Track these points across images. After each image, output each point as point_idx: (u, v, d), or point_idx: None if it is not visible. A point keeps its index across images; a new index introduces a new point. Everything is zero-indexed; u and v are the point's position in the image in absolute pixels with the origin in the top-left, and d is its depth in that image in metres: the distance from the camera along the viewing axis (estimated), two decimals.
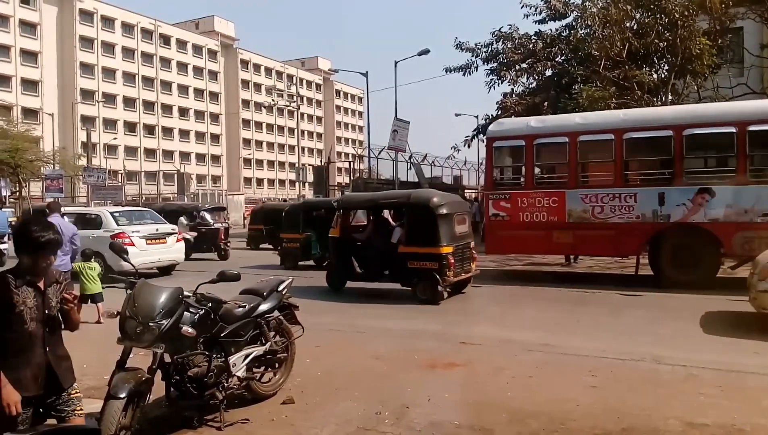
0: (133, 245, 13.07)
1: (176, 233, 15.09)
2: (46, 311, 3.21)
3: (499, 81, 22.24)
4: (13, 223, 19.77)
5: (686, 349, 6.72)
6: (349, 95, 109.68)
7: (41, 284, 3.22)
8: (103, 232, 13.48)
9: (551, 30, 22.73)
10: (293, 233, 15.75)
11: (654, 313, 9.16)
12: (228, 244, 19.29)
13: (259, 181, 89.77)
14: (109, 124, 68.88)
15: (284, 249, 16.06)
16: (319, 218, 15.43)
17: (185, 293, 4.39)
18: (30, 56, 62.60)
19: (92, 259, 9.36)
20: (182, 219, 18.52)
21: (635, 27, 18.26)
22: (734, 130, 10.51)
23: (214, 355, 4.54)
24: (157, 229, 14.44)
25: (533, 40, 22.24)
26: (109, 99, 67.79)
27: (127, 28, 72.62)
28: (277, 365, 5.29)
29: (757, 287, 7.47)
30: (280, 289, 5.31)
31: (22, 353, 3.14)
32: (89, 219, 14.38)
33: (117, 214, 14.46)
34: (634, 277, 12.03)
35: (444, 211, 10.21)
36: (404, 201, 11.04)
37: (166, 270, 14.77)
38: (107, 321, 4.32)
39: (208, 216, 19.51)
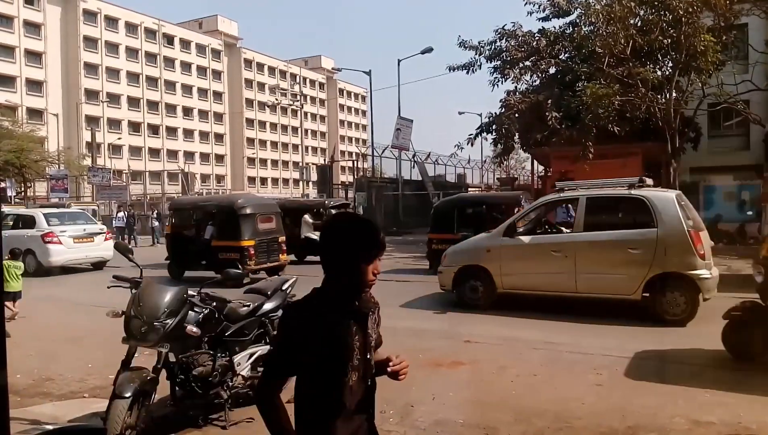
0: (61, 244, 15.11)
1: (104, 233, 16.57)
2: (369, 355, 2.04)
3: (503, 79, 22.13)
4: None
5: (692, 347, 6.70)
6: (352, 94, 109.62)
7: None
8: (36, 232, 15.19)
9: (555, 27, 22.62)
10: (445, 233, 13.52)
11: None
12: None
13: (263, 180, 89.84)
14: (114, 124, 69.00)
15: (434, 251, 13.39)
16: (475, 215, 13.83)
17: (190, 293, 4.40)
18: (34, 57, 62.76)
19: (19, 258, 10.04)
20: (307, 217, 16.64)
21: (639, 24, 18.15)
22: None
23: (219, 355, 4.54)
24: (84, 230, 16.05)
25: (537, 38, 22.12)
26: (114, 99, 67.91)
27: (131, 28, 72.71)
28: None
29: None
30: (284, 287, 5.31)
31: (344, 422, 1.97)
32: (26, 220, 15.98)
33: (49, 215, 16.14)
34: None
35: (246, 211, 12.79)
36: (215, 204, 14.27)
37: (98, 265, 16.41)
38: (112, 320, 4.32)
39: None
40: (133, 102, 72.21)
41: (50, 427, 4.61)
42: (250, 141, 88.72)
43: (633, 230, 8.58)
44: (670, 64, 19.06)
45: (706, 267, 8.12)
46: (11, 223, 15.89)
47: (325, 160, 72.00)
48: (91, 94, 65.67)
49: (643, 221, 8.45)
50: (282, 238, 13.72)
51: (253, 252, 12.47)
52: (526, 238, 9.27)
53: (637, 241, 8.35)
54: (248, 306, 4.87)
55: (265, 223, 13.29)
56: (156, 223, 27.91)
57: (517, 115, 20.88)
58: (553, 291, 9.24)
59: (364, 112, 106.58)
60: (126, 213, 28.41)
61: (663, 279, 8.14)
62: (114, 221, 28.62)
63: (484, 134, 23.62)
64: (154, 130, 74.76)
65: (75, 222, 16.27)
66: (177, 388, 4.43)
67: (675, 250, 8.11)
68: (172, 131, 77.23)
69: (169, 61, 77.33)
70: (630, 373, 5.84)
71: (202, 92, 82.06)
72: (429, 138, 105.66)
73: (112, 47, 70.04)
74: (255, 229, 12.86)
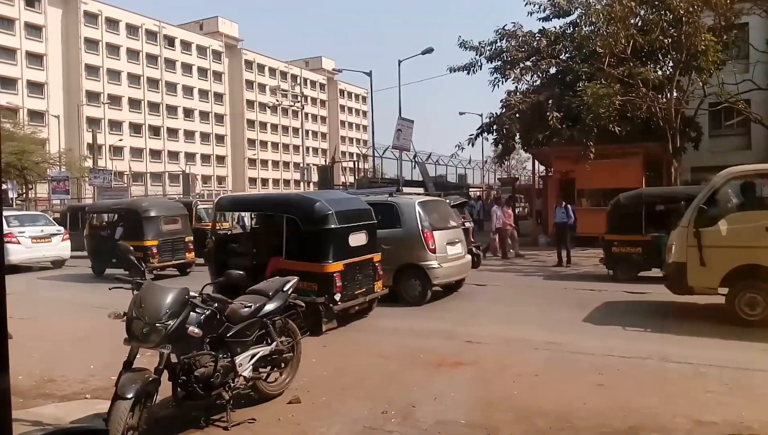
0: (19, 243, 16.02)
1: (62, 234, 17.36)
2: None
3: (503, 79, 22.12)
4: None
5: (693, 347, 6.69)
6: (353, 95, 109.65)
7: None
8: None
9: (555, 27, 22.62)
10: (630, 234, 12.02)
11: (661, 311, 9.13)
12: (480, 247, 15.74)
13: (264, 181, 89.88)
14: (115, 125, 69.09)
15: (615, 255, 12.27)
16: (665, 213, 12.39)
17: (191, 294, 4.41)
18: (35, 59, 62.86)
19: None
20: None
21: (639, 24, 18.15)
22: None
23: (221, 356, 4.55)
24: (42, 231, 16.93)
25: (537, 38, 22.12)
26: (115, 100, 67.99)
27: (132, 29, 72.81)
28: (283, 365, 5.29)
29: None
30: (285, 288, 5.32)
31: None
32: None
33: (10, 217, 17.02)
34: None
35: (150, 214, 13.98)
36: (123, 207, 15.66)
37: (56, 264, 17.41)
38: (114, 322, 4.33)
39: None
40: (134, 103, 72.30)
41: (52, 428, 4.62)
42: (251, 142, 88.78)
43: (387, 230, 9.95)
44: (671, 64, 19.06)
45: (436, 259, 9.93)
46: None
47: (326, 160, 72.00)
48: (92, 96, 65.75)
49: (394, 223, 10.15)
50: (188, 238, 14.84)
51: (155, 251, 13.71)
52: None
53: (389, 238, 9.87)
54: (250, 307, 4.87)
55: (170, 224, 14.53)
56: None
57: (517, 115, 20.87)
58: None
59: (364, 113, 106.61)
60: None
61: (404, 269, 9.96)
62: None
63: (485, 134, 23.63)
64: (155, 131, 74.83)
65: (34, 223, 17.18)
66: (179, 389, 4.43)
67: (412, 246, 9.95)
68: (173, 132, 77.31)
69: (170, 63, 77.41)
70: (632, 372, 5.84)
71: (203, 93, 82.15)
72: (430, 138, 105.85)
73: (113, 49, 70.14)
74: (159, 230, 14.10)
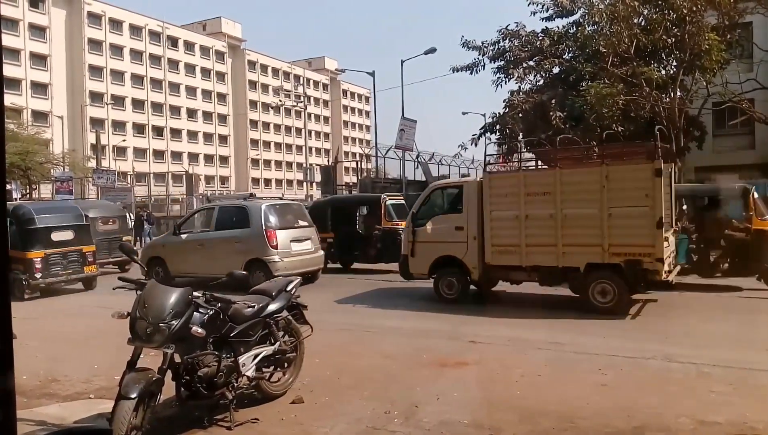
0: None
1: None
2: None
3: (506, 79, 22.14)
4: None
5: (697, 347, 6.68)
6: (356, 95, 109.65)
7: None
8: None
9: (558, 27, 22.60)
10: None
11: (663, 310, 9.12)
12: None
13: (267, 182, 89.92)
14: (118, 126, 69.20)
15: None
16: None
17: (195, 294, 4.42)
18: (39, 59, 62.98)
19: None
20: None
21: (643, 23, 18.13)
22: None
23: (224, 355, 4.55)
24: None
25: (540, 38, 22.11)
26: (118, 101, 68.07)
27: (135, 30, 72.91)
28: (286, 365, 5.30)
29: None
30: (288, 288, 5.32)
31: None
32: None
33: None
34: None
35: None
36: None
37: None
38: (117, 322, 4.34)
39: None
40: (138, 104, 72.41)
41: (56, 428, 4.64)
42: (254, 142, 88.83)
43: (240, 229, 12.07)
44: (675, 63, 19.02)
45: (278, 254, 11.68)
46: None
47: (328, 161, 71.97)
48: (96, 97, 65.84)
49: (244, 224, 12.03)
50: (126, 237, 15.94)
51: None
52: (184, 236, 12.70)
53: (240, 236, 11.97)
54: (253, 307, 4.87)
55: (107, 225, 15.73)
56: (147, 226, 28.17)
57: (521, 115, 20.84)
58: (200, 273, 11.71)
59: (367, 113, 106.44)
60: (132, 215, 28.55)
61: (252, 262, 11.54)
62: None
63: (488, 134, 23.61)
64: (158, 131, 74.92)
65: None
66: (182, 389, 4.43)
67: (257, 243, 11.71)
68: (176, 133, 77.39)
69: (173, 63, 77.49)
70: (635, 373, 5.83)
71: (206, 94, 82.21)
72: (433, 138, 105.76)
73: (117, 50, 70.23)
74: (95, 230, 14.65)
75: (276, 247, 11.72)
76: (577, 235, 9.07)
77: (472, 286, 10.28)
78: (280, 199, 18.07)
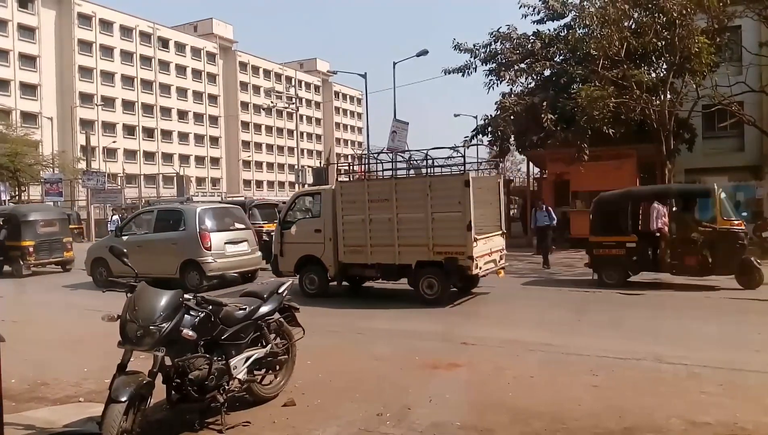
0: None
1: None
2: None
3: (498, 81, 22.22)
4: None
5: (687, 348, 6.71)
6: (348, 97, 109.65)
7: None
8: None
9: (549, 30, 22.72)
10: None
11: (655, 311, 9.16)
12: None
13: (259, 183, 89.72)
14: (108, 127, 68.81)
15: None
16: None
17: (186, 296, 4.39)
18: (28, 60, 62.55)
19: None
20: None
21: (633, 26, 18.22)
22: None
23: (215, 358, 4.53)
24: None
25: (531, 40, 22.21)
26: (108, 102, 67.69)
27: (126, 31, 72.56)
28: (278, 367, 5.28)
29: None
30: (280, 291, 5.30)
31: None
32: None
33: None
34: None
35: (28, 219, 16.40)
36: (7, 212, 17.41)
37: None
38: (107, 325, 4.31)
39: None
40: (128, 105, 72.04)
41: (46, 432, 4.59)
42: (246, 144, 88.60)
43: (176, 232, 12.74)
44: (665, 66, 19.13)
45: (211, 256, 12.35)
46: None
47: (320, 162, 71.93)
48: (86, 98, 65.45)
49: (180, 226, 12.76)
50: (66, 239, 17.24)
51: (32, 250, 15.99)
52: (125, 238, 13.13)
53: (176, 238, 12.63)
54: (244, 309, 4.85)
55: (47, 227, 16.76)
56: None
57: (512, 117, 20.89)
58: (140, 273, 12.31)
59: (359, 115, 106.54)
60: (120, 216, 28.38)
61: (187, 263, 12.26)
62: (108, 225, 28.60)
63: (480, 136, 23.66)
64: (149, 133, 74.56)
65: None
66: (173, 392, 4.40)
67: (192, 245, 12.31)
68: (167, 134, 77.05)
69: (164, 64, 77.17)
70: (626, 374, 5.85)
71: (197, 95, 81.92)
72: (425, 141, 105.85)
73: (107, 50, 69.87)
74: (36, 232, 16.35)
75: (209, 249, 12.41)
76: (409, 236, 10.37)
77: (334, 283, 11.43)
78: (220, 202, 19.18)
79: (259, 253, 13.73)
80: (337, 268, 11.08)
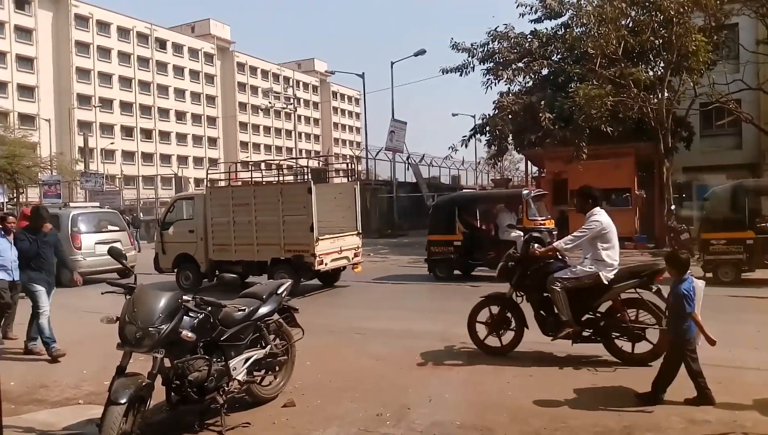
0: None
1: None
2: None
3: (496, 80, 22.23)
4: None
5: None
6: (345, 97, 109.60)
7: None
8: None
9: (547, 29, 22.76)
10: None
11: None
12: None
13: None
14: (106, 128, 68.74)
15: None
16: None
17: (185, 298, 4.38)
18: (26, 62, 62.49)
19: None
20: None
21: (630, 25, 18.26)
22: None
23: (215, 359, 4.53)
24: None
25: (529, 39, 22.23)
26: (106, 103, 67.64)
27: (123, 32, 72.47)
28: (277, 368, 5.28)
29: None
30: (279, 291, 5.30)
31: None
32: None
33: None
34: None
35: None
36: None
37: None
38: (107, 327, 4.31)
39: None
40: (126, 106, 71.98)
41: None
42: (244, 144, 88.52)
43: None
44: (662, 65, 19.17)
45: (81, 254, 13.88)
46: None
47: (318, 162, 71.75)
48: (84, 99, 65.37)
49: (58, 228, 12.27)
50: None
51: None
52: None
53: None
54: (243, 310, 4.85)
55: None
56: (132, 229, 28.03)
57: (510, 116, 20.92)
58: None
59: (357, 115, 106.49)
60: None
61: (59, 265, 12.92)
62: None
63: (478, 136, 23.68)
64: (146, 134, 74.51)
65: None
66: (173, 394, 4.40)
67: (65, 245, 11.84)
68: (165, 135, 77.00)
69: (162, 65, 77.10)
70: (626, 372, 5.85)
71: (195, 96, 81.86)
72: (423, 140, 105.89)
73: (104, 52, 69.80)
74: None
75: (80, 249, 14.15)
76: (265, 236, 11.74)
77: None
78: (97, 206, 20.84)
79: (133, 252, 15.82)
80: (208, 264, 12.49)
